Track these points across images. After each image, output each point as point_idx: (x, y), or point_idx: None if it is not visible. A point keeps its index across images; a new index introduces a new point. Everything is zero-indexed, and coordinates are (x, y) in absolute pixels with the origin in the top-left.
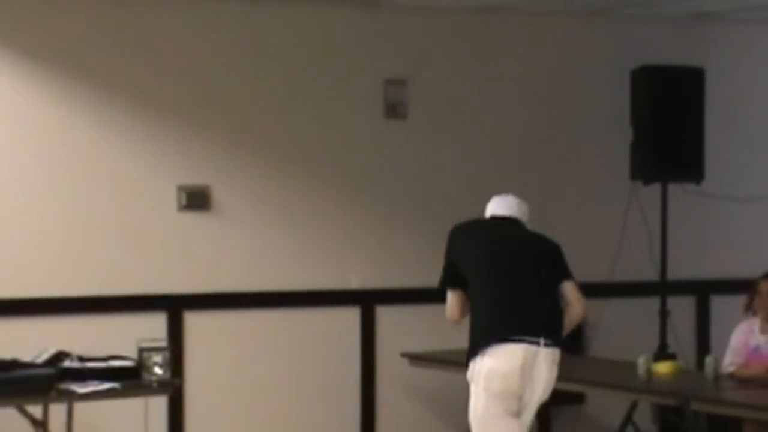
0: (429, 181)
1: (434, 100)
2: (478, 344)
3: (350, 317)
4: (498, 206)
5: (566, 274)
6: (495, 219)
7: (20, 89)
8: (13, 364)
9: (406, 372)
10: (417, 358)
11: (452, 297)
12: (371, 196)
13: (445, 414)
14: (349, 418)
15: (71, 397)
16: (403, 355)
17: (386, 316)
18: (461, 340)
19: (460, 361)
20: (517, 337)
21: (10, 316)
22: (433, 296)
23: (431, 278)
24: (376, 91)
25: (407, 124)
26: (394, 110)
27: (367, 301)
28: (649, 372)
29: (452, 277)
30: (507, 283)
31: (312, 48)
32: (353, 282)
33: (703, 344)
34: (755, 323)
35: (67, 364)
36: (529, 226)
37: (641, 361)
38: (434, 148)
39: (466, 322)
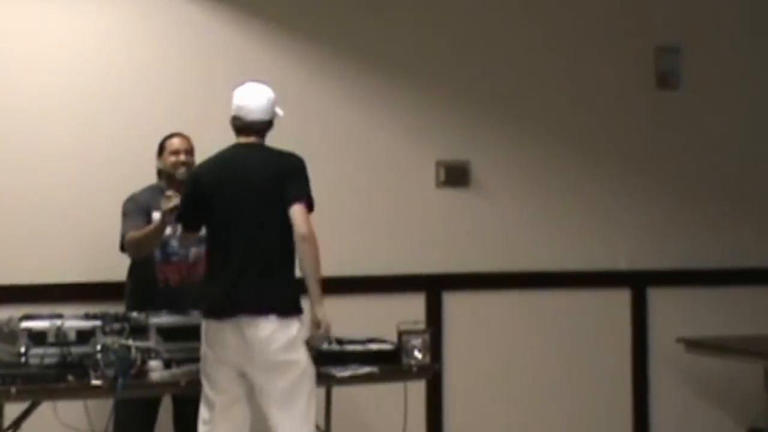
0: (704, 155)
1: (710, 68)
2: None
3: (619, 300)
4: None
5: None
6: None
7: (280, 65)
8: None
9: (682, 358)
10: (694, 345)
11: None
12: (640, 170)
13: (724, 404)
14: (620, 407)
15: (330, 381)
16: (679, 340)
17: (659, 298)
18: (744, 325)
19: (742, 348)
20: None
21: None
22: (710, 278)
23: (708, 258)
24: (647, 59)
25: (680, 95)
26: (665, 80)
27: (637, 282)
28: None
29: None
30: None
31: (578, 12)
32: (621, 263)
33: None
34: None
35: (326, 347)
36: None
37: None
38: (709, 121)
39: None
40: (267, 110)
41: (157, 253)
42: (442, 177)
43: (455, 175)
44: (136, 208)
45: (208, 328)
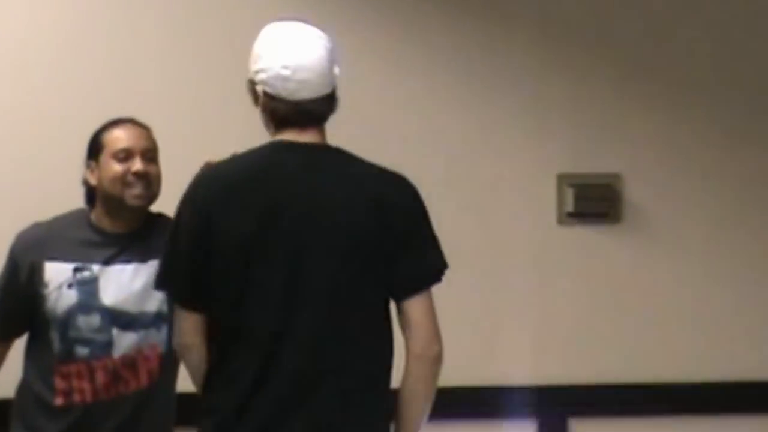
0: None
1: None
2: None
3: None
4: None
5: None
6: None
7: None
8: None
9: None
10: None
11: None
12: None
13: None
14: None
15: None
16: None
17: None
18: None
19: None
20: None
21: None
22: None
23: None
24: None
25: None
26: None
27: None
28: None
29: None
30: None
31: None
32: None
33: None
34: None
35: None
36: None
37: None
38: None
39: None
40: (329, 76)
41: (56, 342)
42: (570, 204)
43: (594, 201)
44: (11, 258)
45: None
